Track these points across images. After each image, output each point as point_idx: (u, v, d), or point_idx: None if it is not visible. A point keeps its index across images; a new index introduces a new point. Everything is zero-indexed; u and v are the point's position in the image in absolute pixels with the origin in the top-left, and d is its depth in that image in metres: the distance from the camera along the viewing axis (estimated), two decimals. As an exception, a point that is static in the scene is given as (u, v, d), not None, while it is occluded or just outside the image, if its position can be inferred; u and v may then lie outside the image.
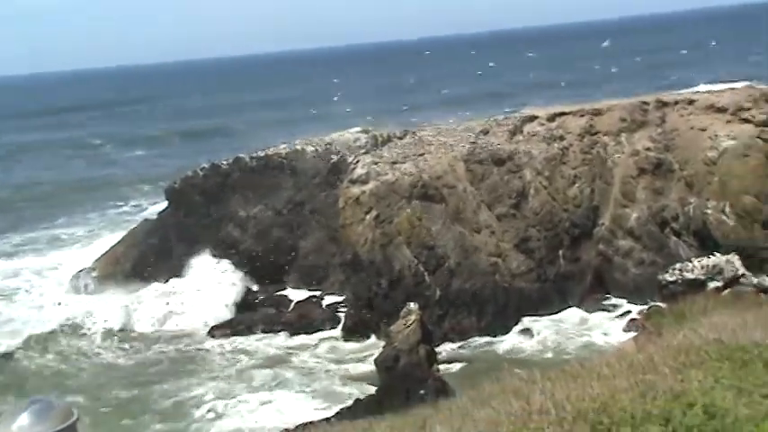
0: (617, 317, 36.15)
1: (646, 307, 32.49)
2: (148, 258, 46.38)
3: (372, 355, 31.79)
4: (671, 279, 32.31)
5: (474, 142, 40.73)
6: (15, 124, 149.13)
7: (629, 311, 36.03)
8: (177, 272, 45.23)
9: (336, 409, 28.67)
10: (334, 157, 45.36)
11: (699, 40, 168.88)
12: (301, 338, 37.63)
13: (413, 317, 28.56)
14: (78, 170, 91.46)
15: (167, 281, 44.34)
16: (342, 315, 38.98)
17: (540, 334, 35.48)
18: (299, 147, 47.22)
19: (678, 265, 33.35)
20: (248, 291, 43.08)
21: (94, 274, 46.86)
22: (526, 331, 35.83)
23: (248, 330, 38.75)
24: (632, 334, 27.12)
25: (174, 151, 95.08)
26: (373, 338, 35.91)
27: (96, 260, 48.43)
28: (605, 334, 34.47)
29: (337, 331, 37.83)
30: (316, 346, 36.74)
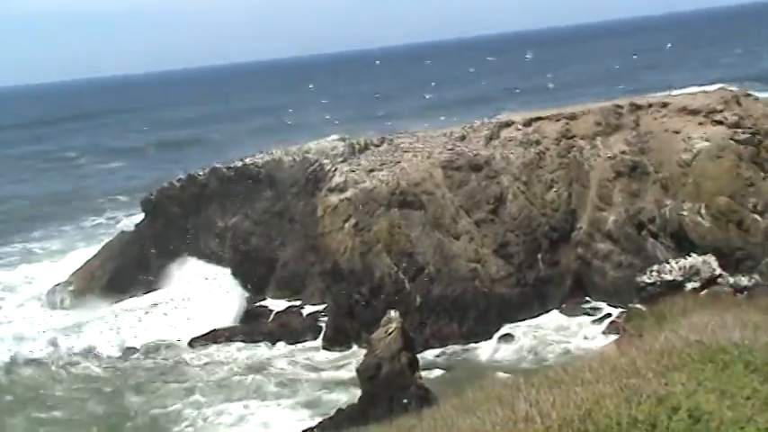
0: (597, 320, 36.29)
1: (625, 309, 32.64)
2: (126, 271, 45.98)
3: (354, 363, 31.64)
4: (649, 281, 32.57)
5: (451, 149, 40.78)
6: None
7: (609, 314, 36.18)
8: (155, 283, 44.87)
9: (319, 419, 28.51)
10: (312, 166, 45.20)
11: (660, 43, 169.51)
12: (282, 348, 37.39)
13: (394, 324, 28.44)
14: (52, 183, 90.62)
15: (148, 292, 44.02)
16: (322, 324, 38.81)
17: (521, 339, 35.50)
18: (276, 156, 47.02)
19: (656, 267, 33.67)
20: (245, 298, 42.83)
21: (71, 288, 46.34)
22: (507, 337, 35.86)
23: (228, 341, 38.44)
24: (613, 337, 27.24)
25: (150, 163, 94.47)
26: (354, 347, 35.79)
27: (72, 274, 47.91)
28: (586, 338, 34.58)
29: (318, 341, 37.65)
30: (296, 355, 36.51)
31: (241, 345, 38.09)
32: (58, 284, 47.26)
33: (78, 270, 48.16)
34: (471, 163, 39.65)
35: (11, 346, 39.07)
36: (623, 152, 39.09)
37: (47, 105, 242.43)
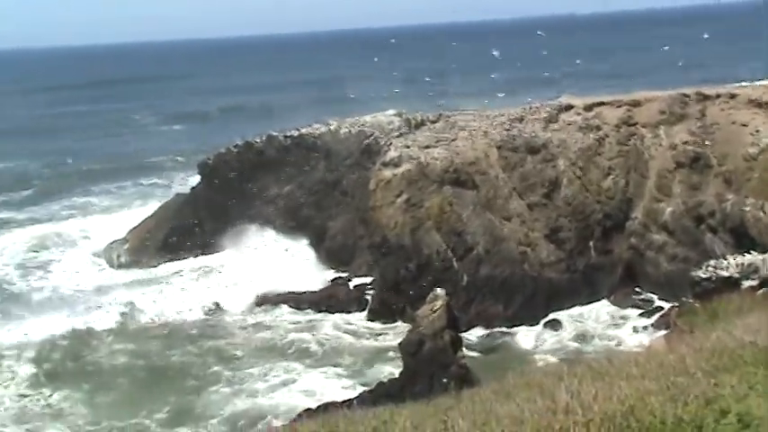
0: (647, 313, 35.58)
1: (677, 304, 31.90)
2: (179, 232, 46.78)
3: (397, 338, 31.71)
4: (704, 276, 31.69)
5: (509, 129, 40.25)
6: (59, 96, 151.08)
7: (659, 308, 35.45)
8: (209, 246, 45.58)
9: (359, 390, 28.69)
10: (368, 139, 45.13)
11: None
12: (327, 318, 37.71)
13: (439, 302, 28.34)
14: (114, 143, 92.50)
15: (202, 255, 44.93)
16: (368, 297, 38.97)
17: (567, 327, 35.08)
18: (332, 127, 47.06)
19: (712, 262, 32.71)
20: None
21: (127, 246, 47.38)
22: (553, 323, 35.45)
23: (276, 305, 38.96)
24: (663, 332, 26.66)
25: (212, 128, 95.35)
26: (399, 322, 35.90)
27: (129, 232, 48.96)
28: (634, 330, 33.96)
29: (364, 313, 37.86)
30: (342, 326, 36.82)
31: (288, 311, 38.50)
32: (115, 241, 48.39)
33: (135, 228, 49.21)
34: (528, 145, 39.08)
35: (69, 303, 40.19)
36: (686, 142, 38.01)
37: (102, 68, 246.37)
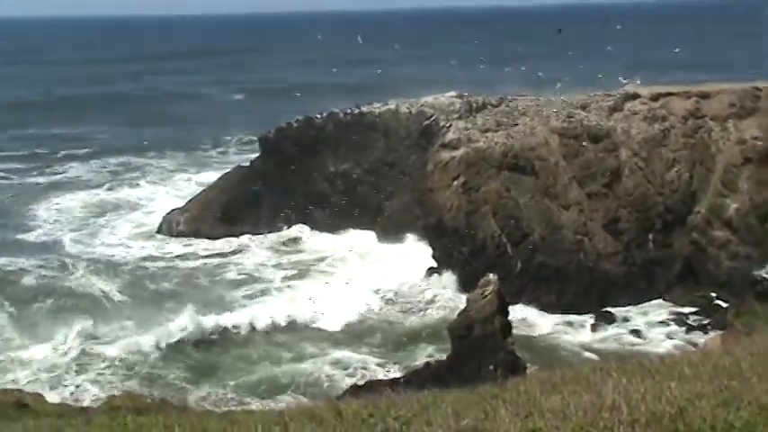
0: (705, 311, 34.67)
1: (737, 303, 31.03)
2: (238, 204, 47.40)
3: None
4: (767, 276, 30.73)
5: (571, 116, 39.52)
6: (146, 67, 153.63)
7: (718, 306, 34.51)
8: (270, 222, 46.29)
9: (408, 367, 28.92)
10: (428, 120, 44.87)
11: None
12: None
13: (491, 287, 28.10)
14: (181, 113, 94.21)
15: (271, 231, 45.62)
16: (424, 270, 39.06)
17: (621, 320, 34.48)
18: (393, 106, 46.92)
19: (776, 263, 31.73)
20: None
21: (186, 215, 48.23)
22: (607, 316, 34.87)
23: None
24: (719, 331, 25.95)
25: (291, 103, 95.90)
26: (451, 294, 36.02)
27: (189, 201, 49.85)
28: (690, 328, 33.15)
29: (417, 282, 38.17)
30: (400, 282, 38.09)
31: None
32: (174, 210, 49.35)
33: (194, 198, 50.06)
34: (590, 133, 38.33)
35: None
36: (756, 138, 36.76)
37: (163, 40, 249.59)
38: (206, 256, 43.42)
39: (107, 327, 32.66)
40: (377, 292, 37.44)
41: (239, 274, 40.61)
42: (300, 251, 44.07)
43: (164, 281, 39.39)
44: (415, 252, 41.07)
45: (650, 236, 37.15)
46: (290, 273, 40.83)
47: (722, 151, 37.45)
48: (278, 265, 41.89)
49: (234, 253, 43.97)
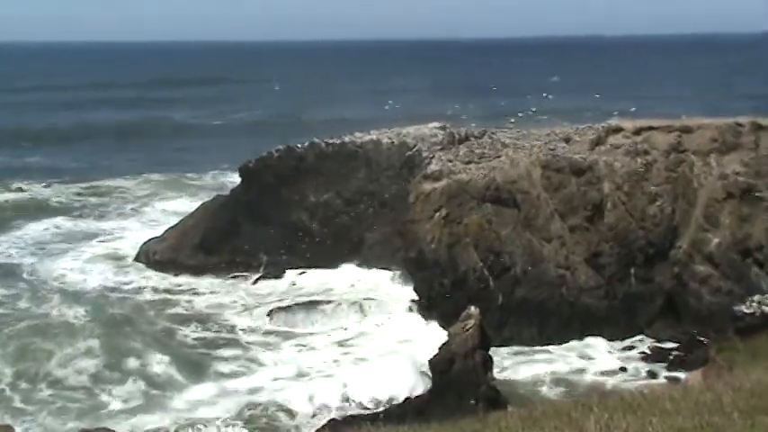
0: (685, 346, 34.87)
1: (718, 339, 31.23)
2: (216, 234, 47.21)
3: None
4: (748, 311, 31.01)
5: (553, 149, 39.94)
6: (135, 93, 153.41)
7: (699, 342, 34.71)
8: (242, 250, 45.97)
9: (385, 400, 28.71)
10: (410, 151, 45.16)
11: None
12: (366, 321, 38.38)
13: (472, 320, 28.18)
14: (160, 140, 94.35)
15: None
16: (404, 306, 39.00)
17: (601, 355, 34.62)
18: (375, 137, 47.21)
19: (757, 297, 32.01)
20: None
21: (164, 244, 47.99)
22: (587, 349, 35.03)
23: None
24: (700, 367, 26.09)
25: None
26: (432, 330, 35.91)
27: (167, 230, 49.63)
28: (671, 363, 33.31)
29: (400, 319, 38.20)
30: (380, 327, 37.63)
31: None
32: (152, 239, 49.13)
33: (173, 228, 49.86)
34: (573, 166, 38.72)
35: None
36: (737, 173, 37.29)
37: (147, 65, 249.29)
38: (179, 304, 41.53)
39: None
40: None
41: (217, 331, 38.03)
42: (284, 294, 42.80)
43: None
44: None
45: (632, 270, 37.42)
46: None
47: (704, 186, 37.95)
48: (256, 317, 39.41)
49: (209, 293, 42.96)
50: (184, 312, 40.03)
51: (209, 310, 40.25)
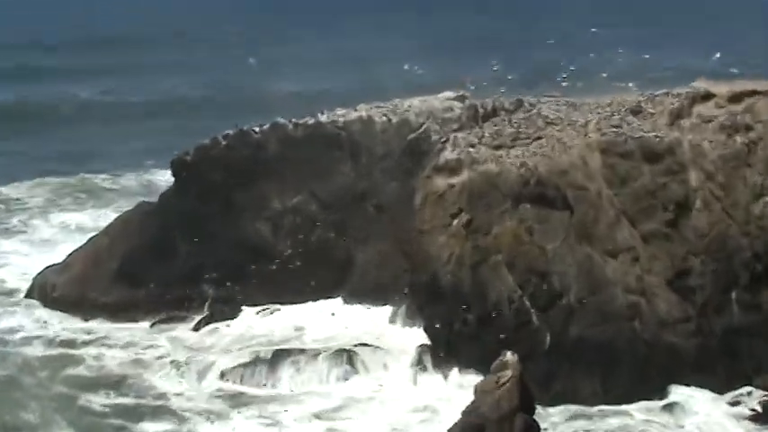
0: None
1: None
2: (141, 259, 47.27)
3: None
4: None
5: (618, 126, 40.22)
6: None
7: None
8: (178, 280, 46.10)
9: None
10: (415, 133, 45.35)
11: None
12: (357, 380, 38.77)
13: (509, 372, 28.38)
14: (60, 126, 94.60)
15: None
16: (409, 355, 39.33)
17: (694, 414, 34.88)
18: (364, 114, 47.41)
19: None
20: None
21: (66, 275, 48.02)
22: (674, 407, 35.29)
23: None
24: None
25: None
26: (451, 392, 36.17)
27: (71, 254, 49.66)
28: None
29: (402, 373, 38.52)
30: (378, 390, 37.84)
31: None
32: (49, 267, 49.26)
33: (78, 250, 49.88)
34: (645, 149, 38.99)
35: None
36: None
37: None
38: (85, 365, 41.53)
39: None
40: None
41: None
42: (237, 343, 43.04)
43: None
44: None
45: (733, 294, 37.66)
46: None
47: (832, 173, 38.35)
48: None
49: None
50: (90, 374, 40.22)
51: (128, 369, 40.60)
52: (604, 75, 52.53)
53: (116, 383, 38.90)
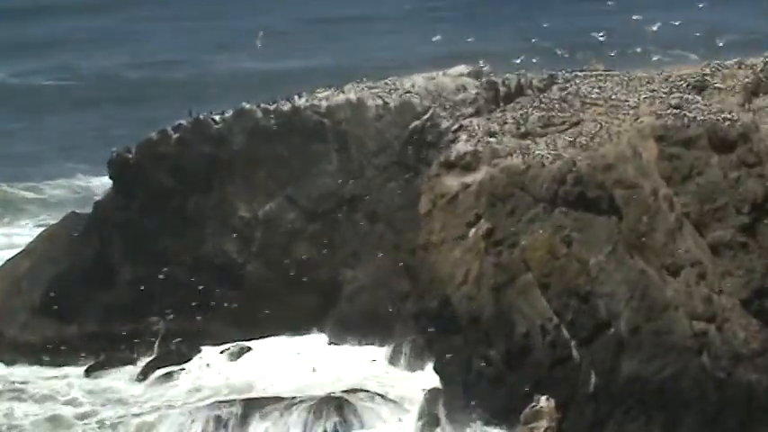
0: None
1: None
2: (71, 285, 47.25)
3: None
4: None
5: (678, 106, 40.27)
6: None
7: None
8: (119, 313, 46.09)
9: None
10: (418, 120, 45.40)
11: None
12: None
13: (544, 423, 28.52)
14: None
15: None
16: (412, 407, 39.39)
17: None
18: (353, 96, 47.43)
19: None
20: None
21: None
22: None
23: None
24: None
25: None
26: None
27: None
28: None
29: (407, 427, 38.52)
30: None
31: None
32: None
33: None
34: (713, 135, 39.04)
35: None
36: None
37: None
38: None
39: None
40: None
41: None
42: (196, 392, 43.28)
43: None
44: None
45: (829, 319, 37.74)
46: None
47: None
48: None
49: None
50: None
51: (57, 425, 40.71)
52: (658, 42, 52.62)
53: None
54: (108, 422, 40.60)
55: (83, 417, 41.43)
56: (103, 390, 43.55)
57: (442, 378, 38.80)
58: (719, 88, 41.26)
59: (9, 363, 45.75)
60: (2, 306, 47.89)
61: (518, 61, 49.31)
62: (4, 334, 46.79)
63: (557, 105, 42.40)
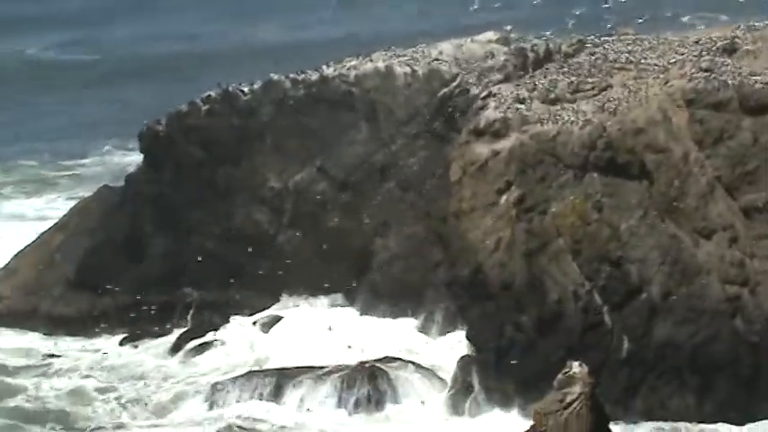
0: None
1: None
2: (105, 258, 47.41)
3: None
4: None
5: (709, 69, 40.01)
6: None
7: None
8: (152, 284, 46.25)
9: None
10: (447, 87, 45.25)
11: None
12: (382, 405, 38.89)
13: (577, 388, 28.30)
14: None
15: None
16: (446, 375, 39.55)
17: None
18: (381, 64, 47.29)
19: None
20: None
21: (11, 282, 48.25)
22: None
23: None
24: None
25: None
26: (503, 415, 36.45)
27: (15, 256, 49.88)
28: None
29: (441, 395, 38.56)
30: (411, 417, 38.10)
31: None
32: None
33: (26, 250, 50.10)
34: (745, 98, 38.77)
35: None
36: None
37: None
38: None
39: None
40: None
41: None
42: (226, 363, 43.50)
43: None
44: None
45: None
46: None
47: None
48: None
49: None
50: (31, 406, 40.77)
51: (77, 400, 41.09)
52: (687, 5, 52.36)
53: (64, 417, 39.69)
54: (161, 386, 41.64)
55: (130, 379, 42.08)
56: (144, 358, 43.88)
57: (474, 345, 38.86)
58: (750, 50, 40.94)
59: (45, 335, 45.91)
60: (36, 279, 48.05)
61: (546, 27, 49.02)
62: (40, 307, 46.94)
63: (586, 71, 42.20)
